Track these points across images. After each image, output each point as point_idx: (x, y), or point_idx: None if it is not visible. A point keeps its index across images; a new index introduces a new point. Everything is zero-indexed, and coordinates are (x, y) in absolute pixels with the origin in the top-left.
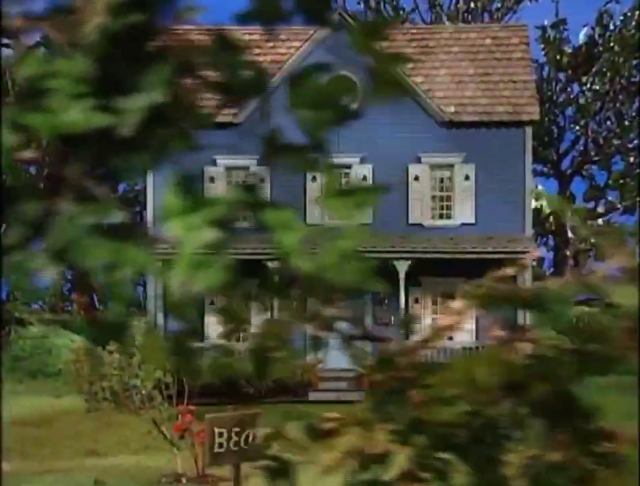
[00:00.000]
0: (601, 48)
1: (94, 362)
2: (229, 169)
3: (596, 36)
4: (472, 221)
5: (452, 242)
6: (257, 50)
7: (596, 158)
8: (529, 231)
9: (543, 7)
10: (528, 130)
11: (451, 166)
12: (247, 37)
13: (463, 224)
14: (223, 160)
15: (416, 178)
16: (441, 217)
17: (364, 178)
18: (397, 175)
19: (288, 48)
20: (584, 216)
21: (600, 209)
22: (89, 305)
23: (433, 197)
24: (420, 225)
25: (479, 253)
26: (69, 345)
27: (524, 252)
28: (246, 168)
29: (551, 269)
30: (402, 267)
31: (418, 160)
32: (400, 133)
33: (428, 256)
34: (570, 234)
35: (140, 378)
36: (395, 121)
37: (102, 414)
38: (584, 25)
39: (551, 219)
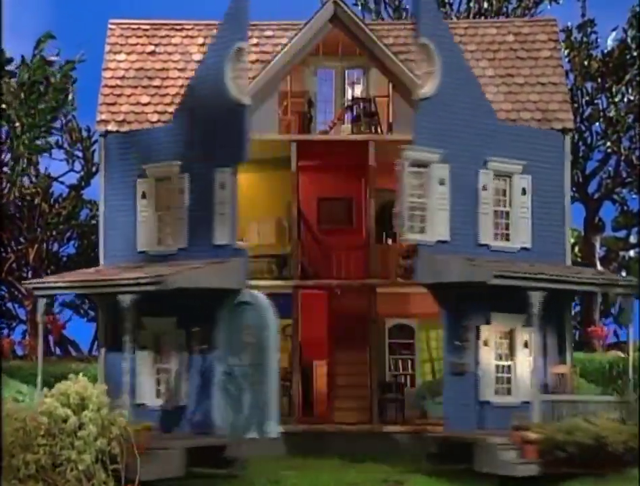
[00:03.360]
0: (634, 53)
1: (15, 427)
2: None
3: (629, 40)
4: (529, 245)
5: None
6: None
7: (628, 180)
8: (569, 259)
9: (564, 9)
10: (567, 138)
11: (509, 176)
12: None
13: (522, 248)
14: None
15: (484, 188)
16: (500, 237)
17: (442, 182)
18: (471, 182)
19: (274, 46)
20: (615, 246)
21: (633, 238)
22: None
23: (495, 212)
24: (487, 246)
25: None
26: (16, 398)
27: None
28: (167, 178)
29: (577, 307)
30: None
31: (485, 165)
32: (473, 128)
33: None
34: (599, 267)
35: (77, 448)
36: (470, 113)
37: None
38: (613, 29)
39: (576, 249)
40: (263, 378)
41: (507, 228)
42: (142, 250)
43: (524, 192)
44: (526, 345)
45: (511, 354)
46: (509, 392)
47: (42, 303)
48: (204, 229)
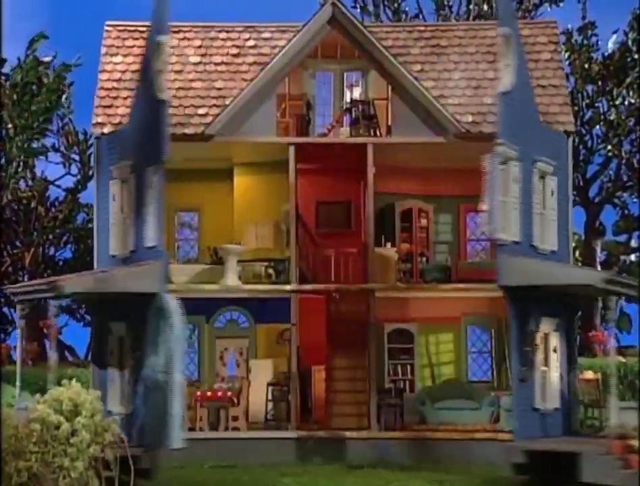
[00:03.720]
0: (635, 56)
1: (8, 434)
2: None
3: (629, 42)
4: (556, 248)
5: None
6: (235, 51)
7: (629, 184)
8: (571, 262)
9: (565, 11)
10: (569, 140)
11: (543, 177)
12: (225, 35)
13: (552, 251)
14: None
15: (534, 188)
16: (540, 239)
17: (515, 181)
18: (529, 182)
19: (272, 48)
20: (616, 251)
21: (634, 243)
22: (39, 354)
23: (538, 214)
24: (535, 247)
25: None
26: (10, 403)
27: None
28: (127, 179)
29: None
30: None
31: (534, 165)
32: (531, 126)
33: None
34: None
35: (69, 455)
36: (529, 110)
37: None
38: (614, 32)
39: (577, 253)
40: (167, 386)
41: (542, 230)
42: (113, 254)
43: (552, 193)
44: (554, 350)
45: (545, 359)
46: (543, 398)
47: (19, 308)
48: (140, 231)
